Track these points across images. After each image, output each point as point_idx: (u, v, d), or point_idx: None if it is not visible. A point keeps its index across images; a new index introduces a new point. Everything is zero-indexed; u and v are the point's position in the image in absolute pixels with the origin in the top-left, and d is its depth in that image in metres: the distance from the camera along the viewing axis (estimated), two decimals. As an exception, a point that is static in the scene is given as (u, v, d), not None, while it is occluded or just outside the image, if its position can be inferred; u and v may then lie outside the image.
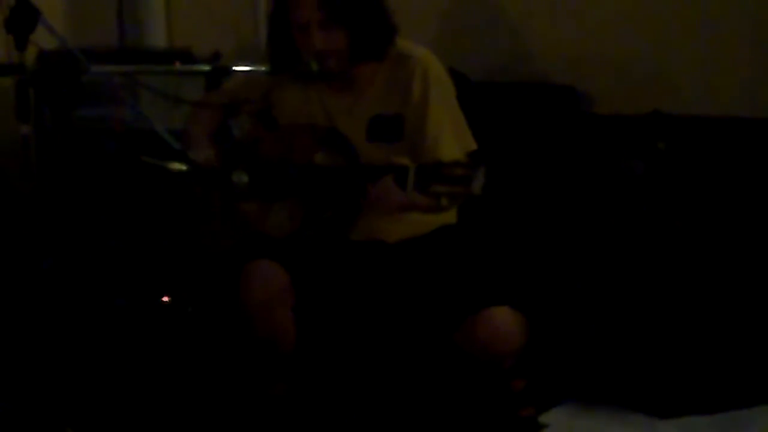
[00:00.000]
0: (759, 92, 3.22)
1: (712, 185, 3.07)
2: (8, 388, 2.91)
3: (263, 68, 2.73)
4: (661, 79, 3.40)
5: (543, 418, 2.80)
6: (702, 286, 2.92)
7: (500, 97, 3.50)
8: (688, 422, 2.79)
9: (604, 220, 3.13)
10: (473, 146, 2.56)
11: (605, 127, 3.33)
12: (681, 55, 3.36)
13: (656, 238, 3.01)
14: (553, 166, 3.28)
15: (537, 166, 3.28)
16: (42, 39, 2.75)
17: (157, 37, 4.13)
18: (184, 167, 2.90)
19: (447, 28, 3.77)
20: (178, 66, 3.69)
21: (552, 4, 3.60)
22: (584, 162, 3.25)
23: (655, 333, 2.92)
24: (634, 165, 3.10)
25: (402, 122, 2.59)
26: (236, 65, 2.98)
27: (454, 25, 3.77)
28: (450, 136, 2.54)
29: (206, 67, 3.46)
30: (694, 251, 2.95)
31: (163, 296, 3.30)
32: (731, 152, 3.10)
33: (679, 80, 3.36)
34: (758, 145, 3.08)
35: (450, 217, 2.69)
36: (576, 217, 3.19)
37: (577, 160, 3.27)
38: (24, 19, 2.67)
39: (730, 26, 3.27)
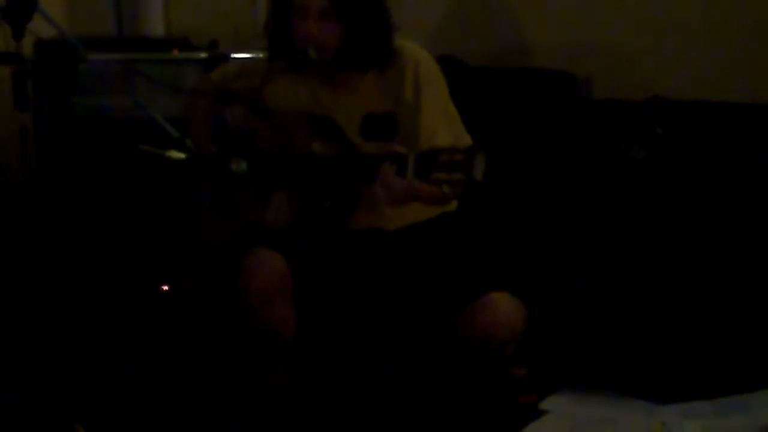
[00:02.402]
0: (755, 78, 3.22)
1: (710, 170, 3.07)
2: (14, 381, 2.91)
3: (261, 56, 2.72)
4: (659, 65, 3.39)
5: (544, 405, 2.81)
6: (702, 272, 2.92)
7: (499, 82, 3.49)
8: (688, 407, 2.79)
9: (604, 206, 3.13)
10: (468, 142, 2.50)
11: (604, 113, 3.33)
12: (677, 40, 3.35)
13: (656, 225, 3.01)
14: (553, 151, 3.27)
15: (536, 152, 3.27)
16: (39, 28, 2.74)
17: (155, 25, 4.12)
18: (182, 155, 2.89)
19: (445, 14, 3.76)
20: (176, 54, 3.68)
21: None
22: (584, 147, 3.25)
23: (655, 319, 2.92)
24: (635, 151, 3.10)
25: (395, 120, 2.56)
26: (233, 53, 2.97)
27: (452, 12, 3.76)
28: (445, 132, 2.49)
29: (204, 55, 3.48)
30: (694, 238, 2.95)
31: (162, 285, 3.30)
32: (728, 137, 3.10)
33: (676, 65, 3.36)
34: (755, 131, 3.09)
35: (449, 204, 2.68)
36: (576, 203, 3.19)
37: (577, 145, 3.27)
38: (21, 8, 2.66)
39: (726, 12, 3.27)
